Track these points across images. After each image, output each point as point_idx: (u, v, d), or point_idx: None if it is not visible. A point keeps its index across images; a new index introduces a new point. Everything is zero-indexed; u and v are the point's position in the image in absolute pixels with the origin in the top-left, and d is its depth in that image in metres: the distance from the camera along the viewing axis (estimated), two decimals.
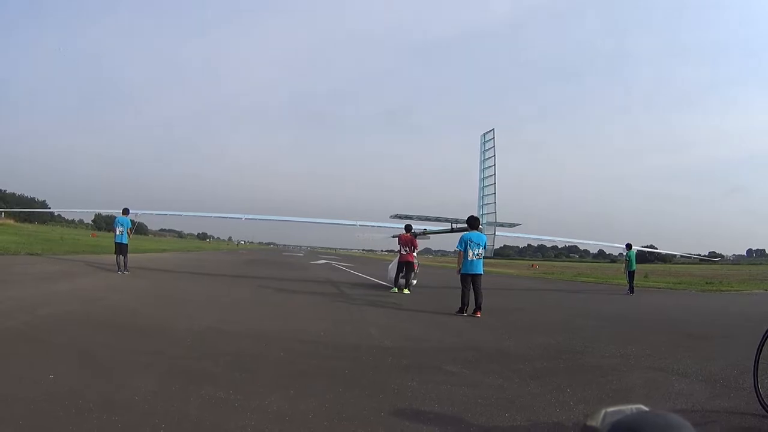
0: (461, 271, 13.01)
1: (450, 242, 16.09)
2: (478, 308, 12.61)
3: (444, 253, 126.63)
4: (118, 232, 20.26)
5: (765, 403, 5.10)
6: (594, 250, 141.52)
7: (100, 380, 5.17)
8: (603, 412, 1.14)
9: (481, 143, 19.67)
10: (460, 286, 13.05)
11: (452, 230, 20.62)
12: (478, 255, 12.90)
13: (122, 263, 19.39)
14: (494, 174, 18.35)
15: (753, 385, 5.27)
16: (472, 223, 13.61)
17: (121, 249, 19.74)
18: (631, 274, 24.71)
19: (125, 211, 21.13)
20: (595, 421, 1.13)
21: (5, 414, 4.05)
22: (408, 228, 20.05)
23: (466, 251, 12.93)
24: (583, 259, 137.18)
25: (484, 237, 13.27)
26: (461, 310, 12.69)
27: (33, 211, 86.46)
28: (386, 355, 7.38)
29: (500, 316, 13.59)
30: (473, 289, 12.81)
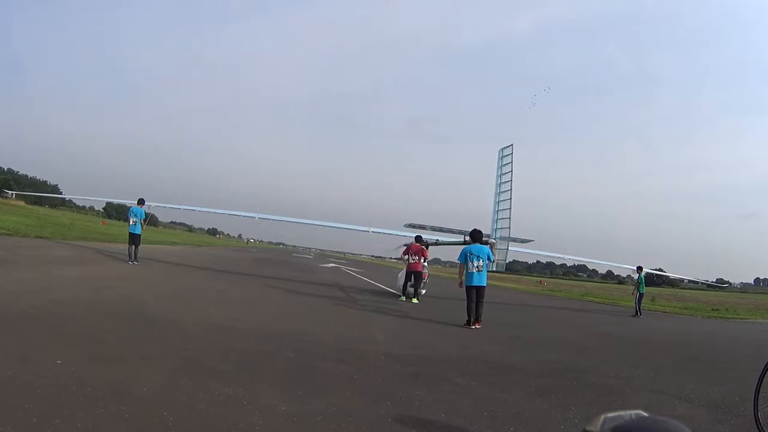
0: (465, 284, 13.13)
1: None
2: (477, 319, 12.71)
3: (453, 264, 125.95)
4: (131, 222, 20.28)
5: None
6: (602, 270, 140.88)
7: (108, 369, 5.17)
8: (602, 417, 1.14)
9: (498, 158, 19.72)
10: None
11: (465, 242, 20.65)
12: (478, 267, 12.95)
13: (133, 253, 19.43)
14: (510, 189, 18.41)
15: (753, 414, 5.35)
16: (475, 236, 13.72)
17: (133, 239, 19.78)
18: (640, 297, 24.66)
19: (140, 202, 21.08)
20: (595, 427, 1.12)
21: (13, 397, 4.06)
22: (418, 238, 20.11)
23: (466, 264, 13.07)
24: (591, 279, 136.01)
25: (486, 249, 13.27)
26: (468, 323, 12.72)
27: (44, 195, 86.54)
28: (394, 363, 7.37)
29: (507, 331, 13.62)
30: (475, 300, 12.90)
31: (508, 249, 18.45)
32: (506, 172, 19.00)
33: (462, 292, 13.25)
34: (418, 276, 18.92)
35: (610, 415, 1.13)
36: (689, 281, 66.72)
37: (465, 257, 13.09)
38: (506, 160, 19.18)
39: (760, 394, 5.34)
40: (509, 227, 18.26)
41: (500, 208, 19.08)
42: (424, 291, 20.01)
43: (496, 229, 18.84)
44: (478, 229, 13.99)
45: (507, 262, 19.09)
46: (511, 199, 18.39)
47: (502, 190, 19.17)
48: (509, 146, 19.28)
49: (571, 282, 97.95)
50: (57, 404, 4.02)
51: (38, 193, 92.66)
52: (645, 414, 1.12)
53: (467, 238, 19.83)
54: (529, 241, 26.28)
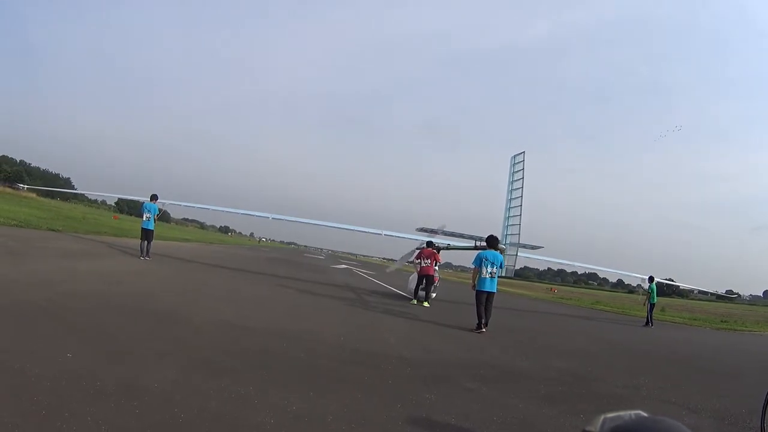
0: (476, 288, 13.20)
1: (472, 258, 16.04)
2: (484, 324, 12.82)
3: (464, 269, 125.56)
4: (144, 218, 20.21)
5: None
6: (613, 279, 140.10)
7: (118, 364, 5.16)
8: (602, 417, 1.16)
9: (510, 164, 19.76)
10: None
11: (476, 247, 20.54)
12: (491, 273, 13.03)
13: (145, 249, 19.43)
14: (521, 196, 18.46)
15: (760, 426, 5.40)
16: (491, 242, 13.75)
17: (146, 235, 19.73)
18: (652, 307, 24.64)
19: (153, 197, 20.94)
20: (595, 427, 1.14)
21: (23, 389, 4.05)
22: (430, 243, 20.10)
23: (480, 268, 13.12)
24: (602, 287, 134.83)
25: (500, 257, 13.39)
26: (479, 326, 12.76)
27: (57, 190, 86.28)
28: (405, 366, 7.36)
29: (517, 337, 13.71)
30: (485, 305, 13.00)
31: (517, 255, 18.48)
32: (518, 179, 19.06)
33: (473, 296, 13.32)
34: (430, 280, 18.91)
35: (609, 415, 1.16)
36: (699, 292, 66.30)
37: (480, 262, 13.13)
38: (518, 167, 19.22)
39: (767, 407, 5.38)
40: (519, 233, 18.32)
41: (511, 214, 19.15)
42: (434, 294, 19.98)
43: (506, 235, 18.88)
44: (494, 235, 14.03)
45: (517, 268, 19.13)
46: (521, 206, 18.45)
47: (513, 196, 19.22)
48: (521, 153, 19.33)
49: (582, 290, 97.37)
50: (67, 398, 4.02)
51: (51, 187, 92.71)
52: (644, 414, 1.16)
53: (479, 243, 19.88)
54: (539, 247, 26.26)
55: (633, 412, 1.17)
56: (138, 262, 17.83)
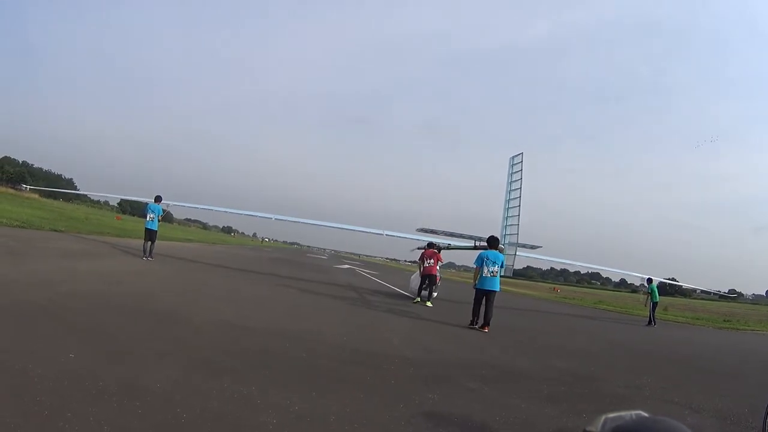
0: (476, 287, 13.31)
1: (473, 258, 16.12)
2: (486, 323, 12.90)
3: (467, 269, 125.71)
4: (148, 218, 20.18)
5: None
6: (616, 279, 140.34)
7: (120, 364, 5.15)
8: (603, 418, 1.17)
9: (509, 165, 19.82)
10: None
11: (475, 247, 20.62)
12: (492, 273, 13.13)
13: (148, 249, 19.42)
14: (519, 197, 18.53)
15: (762, 427, 5.37)
16: (492, 242, 13.91)
17: (150, 235, 19.74)
18: (654, 306, 24.67)
19: (157, 199, 20.95)
20: (595, 427, 1.15)
21: (24, 389, 4.04)
22: (431, 244, 20.22)
23: (482, 268, 13.22)
24: (605, 287, 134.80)
25: (501, 256, 13.54)
26: (472, 323, 13.08)
27: (60, 191, 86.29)
28: (407, 366, 7.33)
29: (519, 336, 13.73)
30: (485, 304, 13.07)
31: (515, 254, 18.50)
32: (516, 180, 19.11)
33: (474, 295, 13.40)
34: (432, 279, 18.97)
35: (611, 415, 1.17)
36: (702, 291, 66.22)
37: (482, 261, 13.26)
38: (516, 168, 19.28)
39: None
40: (518, 233, 18.37)
41: (510, 214, 19.20)
42: (436, 294, 19.98)
43: (505, 235, 18.91)
44: (495, 236, 14.24)
45: (520, 268, 19.20)
46: (520, 206, 18.52)
47: (511, 197, 19.28)
48: (519, 155, 19.37)
49: (585, 289, 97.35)
50: (69, 398, 4.01)
51: (54, 188, 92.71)
52: (645, 414, 1.17)
53: (478, 243, 19.93)
54: (538, 247, 26.32)
55: (634, 413, 1.18)
56: (139, 262, 17.82)
